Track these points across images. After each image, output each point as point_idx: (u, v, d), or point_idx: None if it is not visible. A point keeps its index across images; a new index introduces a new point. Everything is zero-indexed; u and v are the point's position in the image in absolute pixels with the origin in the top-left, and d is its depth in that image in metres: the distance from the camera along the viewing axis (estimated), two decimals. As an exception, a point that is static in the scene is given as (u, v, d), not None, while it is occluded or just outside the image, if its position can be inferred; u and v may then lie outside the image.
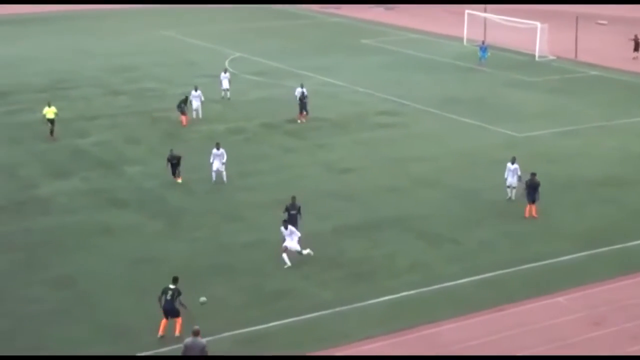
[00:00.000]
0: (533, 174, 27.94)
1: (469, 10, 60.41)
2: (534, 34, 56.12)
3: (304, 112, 39.00)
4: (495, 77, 50.69)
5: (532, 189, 27.69)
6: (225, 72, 43.65)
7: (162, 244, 25.52)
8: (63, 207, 28.68)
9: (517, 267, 24.06)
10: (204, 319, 20.72)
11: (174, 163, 30.99)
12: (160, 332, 19.92)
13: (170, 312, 19.89)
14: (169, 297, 19.88)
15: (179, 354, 17.67)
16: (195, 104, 39.30)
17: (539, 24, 56.08)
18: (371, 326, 20.66)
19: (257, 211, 28.36)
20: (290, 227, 24.22)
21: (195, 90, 39.38)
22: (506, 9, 65.83)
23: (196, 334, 17.57)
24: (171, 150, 31.34)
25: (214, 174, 30.64)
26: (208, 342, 18.15)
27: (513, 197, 29.15)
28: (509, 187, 29.33)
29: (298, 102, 39.18)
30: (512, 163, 29.26)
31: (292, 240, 24.08)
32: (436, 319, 20.97)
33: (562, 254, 24.97)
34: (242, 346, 19.76)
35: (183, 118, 38.77)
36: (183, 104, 38.93)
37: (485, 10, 61.53)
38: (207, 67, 49.92)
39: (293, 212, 25.54)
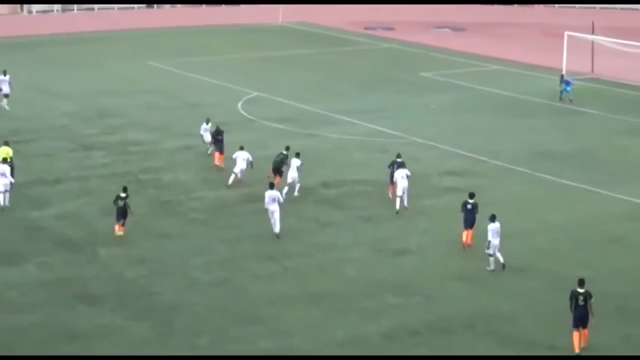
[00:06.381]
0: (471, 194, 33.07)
1: (569, 32, 60.75)
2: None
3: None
4: (609, 122, 50.62)
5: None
6: (4, 75, 51.83)
7: (149, 355, 25.53)
8: (12, 303, 28.86)
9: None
10: None
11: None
12: (576, 349, 25.38)
13: (583, 320, 25.27)
14: (580, 302, 25.33)
15: None
16: (240, 164, 39.51)
17: (669, 49, 56.20)
18: None
19: (280, 309, 28.44)
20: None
21: (241, 149, 39.86)
22: (622, 30, 66.10)
23: None
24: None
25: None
26: None
27: (492, 267, 31.02)
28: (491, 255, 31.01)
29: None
30: (493, 221, 30.97)
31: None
32: None
33: None
34: None
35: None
36: (283, 162, 38.89)
37: (592, 32, 61.83)
38: (215, 112, 50.62)
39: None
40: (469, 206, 32.99)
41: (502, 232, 33.36)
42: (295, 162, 38.06)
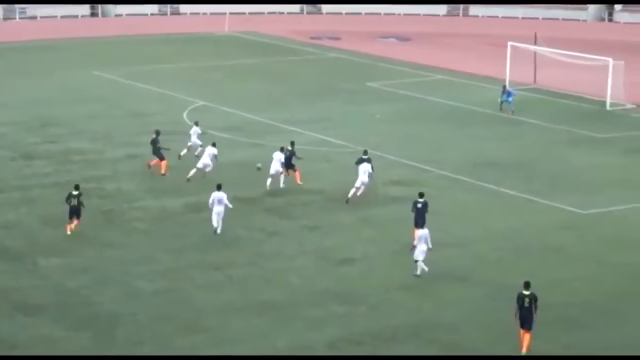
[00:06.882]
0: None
1: (512, 42, 61.40)
2: (604, 74, 56.88)
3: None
4: (551, 133, 51.20)
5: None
6: None
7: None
8: (-49, 314, 28.58)
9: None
10: None
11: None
12: (524, 350, 25.93)
13: (528, 322, 25.89)
14: (526, 304, 26.00)
15: None
16: (204, 160, 41.28)
17: (611, 60, 56.82)
18: None
19: (225, 318, 28.38)
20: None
21: (213, 145, 41.82)
22: (565, 41, 66.99)
23: None
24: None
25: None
26: None
27: (419, 272, 31.16)
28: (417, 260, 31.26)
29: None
30: (422, 227, 31.63)
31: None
32: None
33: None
34: None
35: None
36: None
37: (535, 43, 62.55)
38: (160, 121, 50.38)
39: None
40: (419, 205, 34.05)
41: (445, 241, 33.77)
42: (278, 156, 40.21)
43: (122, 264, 32.38)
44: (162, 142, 42.60)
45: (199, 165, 40.94)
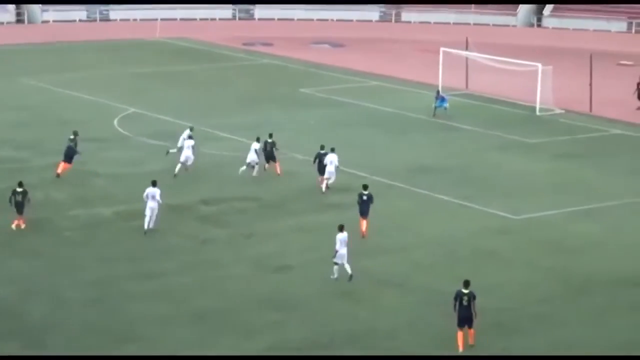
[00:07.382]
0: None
1: (445, 48, 61.96)
2: (534, 79, 57.72)
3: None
4: (483, 138, 51.71)
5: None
6: None
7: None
8: None
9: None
10: None
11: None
12: (460, 348, 26.26)
13: (468, 320, 26.25)
14: (465, 302, 26.20)
15: None
16: (186, 152, 42.53)
17: (539, 66, 57.64)
18: None
19: (160, 328, 28.20)
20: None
21: (190, 138, 43.21)
22: (496, 46, 67.74)
23: None
24: None
25: None
26: None
27: (336, 275, 31.44)
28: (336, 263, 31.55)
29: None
30: (341, 231, 31.53)
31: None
32: None
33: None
34: None
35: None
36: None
37: (466, 48, 63.23)
38: (89, 128, 49.90)
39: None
40: (364, 197, 35.60)
41: (382, 247, 34.02)
42: (254, 146, 42.29)
43: (51, 273, 31.99)
44: (79, 143, 42.63)
45: (182, 159, 42.37)
